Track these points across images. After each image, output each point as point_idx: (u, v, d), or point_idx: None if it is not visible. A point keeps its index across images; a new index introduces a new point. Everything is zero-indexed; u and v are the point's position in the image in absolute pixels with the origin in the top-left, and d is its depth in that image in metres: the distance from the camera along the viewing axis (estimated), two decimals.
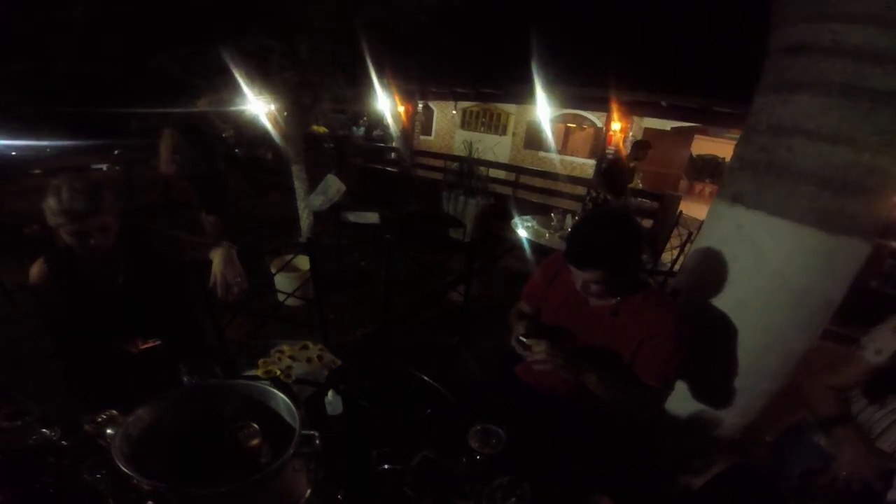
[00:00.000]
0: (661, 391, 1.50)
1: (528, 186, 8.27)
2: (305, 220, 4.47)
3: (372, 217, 4.53)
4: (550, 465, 1.24)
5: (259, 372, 1.46)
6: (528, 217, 4.53)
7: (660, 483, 1.80)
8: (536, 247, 4.05)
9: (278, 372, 1.45)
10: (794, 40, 1.58)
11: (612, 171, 5.33)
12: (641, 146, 5.52)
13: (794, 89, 1.58)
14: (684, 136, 11.40)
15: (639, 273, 1.51)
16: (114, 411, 1.09)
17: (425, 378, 1.48)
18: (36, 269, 1.55)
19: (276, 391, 0.97)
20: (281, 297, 2.44)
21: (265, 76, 3.87)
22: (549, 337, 1.59)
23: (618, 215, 1.49)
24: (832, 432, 1.41)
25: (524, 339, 1.49)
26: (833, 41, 1.46)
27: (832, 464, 1.35)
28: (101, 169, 6.25)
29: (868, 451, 1.32)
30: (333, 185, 4.18)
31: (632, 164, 5.57)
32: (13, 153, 6.51)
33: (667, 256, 4.98)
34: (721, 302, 1.78)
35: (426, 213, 6.73)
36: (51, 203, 1.41)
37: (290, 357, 1.54)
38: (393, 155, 10.71)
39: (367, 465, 1.15)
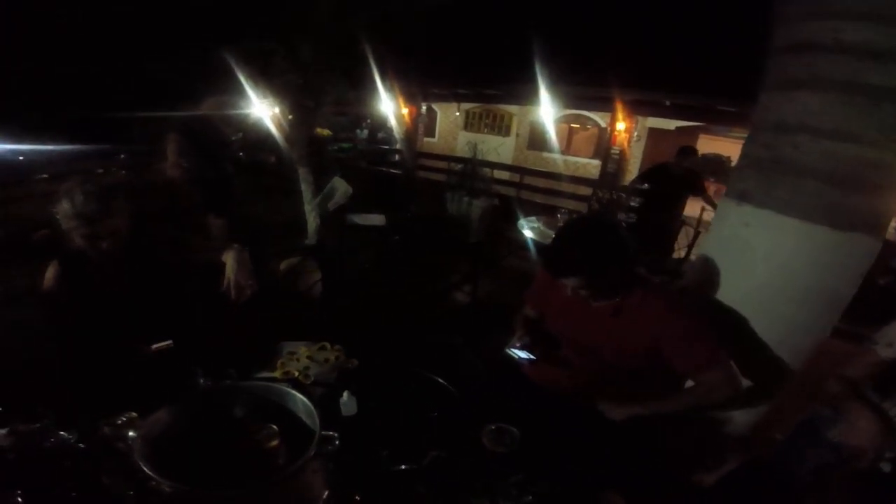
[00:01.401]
0: (724, 371, 1.43)
1: (532, 187, 8.28)
2: (312, 223, 4.48)
3: (377, 219, 4.54)
4: (559, 463, 1.25)
5: (277, 373, 1.48)
6: (533, 218, 4.53)
7: (671, 481, 1.80)
8: (542, 248, 4.06)
9: (297, 373, 1.46)
10: (797, 39, 1.60)
11: (657, 180, 4.58)
12: (688, 152, 4.72)
13: (797, 87, 1.60)
14: (688, 135, 11.35)
15: (635, 271, 1.51)
16: (133, 413, 1.11)
17: (439, 380, 1.49)
18: (50, 273, 1.57)
19: (295, 392, 0.98)
20: (290, 300, 2.46)
21: (267, 79, 3.89)
22: (550, 344, 1.62)
23: (591, 223, 1.52)
24: (845, 408, 1.41)
25: (515, 353, 1.54)
26: (834, 39, 1.48)
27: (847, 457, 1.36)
28: (109, 173, 6.28)
29: (884, 426, 1.32)
30: (340, 188, 4.21)
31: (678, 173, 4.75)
32: (20, 157, 6.53)
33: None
34: (729, 300, 1.78)
35: (431, 215, 6.74)
36: (64, 206, 1.43)
37: (308, 358, 1.56)
38: (397, 157, 10.73)
39: (381, 465, 1.16)
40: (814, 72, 1.54)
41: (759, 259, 1.70)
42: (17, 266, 2.96)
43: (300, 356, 1.57)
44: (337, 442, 0.92)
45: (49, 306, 1.60)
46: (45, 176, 6.07)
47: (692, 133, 11.37)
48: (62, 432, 1.11)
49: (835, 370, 1.51)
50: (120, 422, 1.10)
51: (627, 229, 1.47)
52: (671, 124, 10.85)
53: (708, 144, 12.63)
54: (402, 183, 8.55)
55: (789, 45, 1.62)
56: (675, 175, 4.66)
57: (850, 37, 1.44)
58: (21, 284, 2.94)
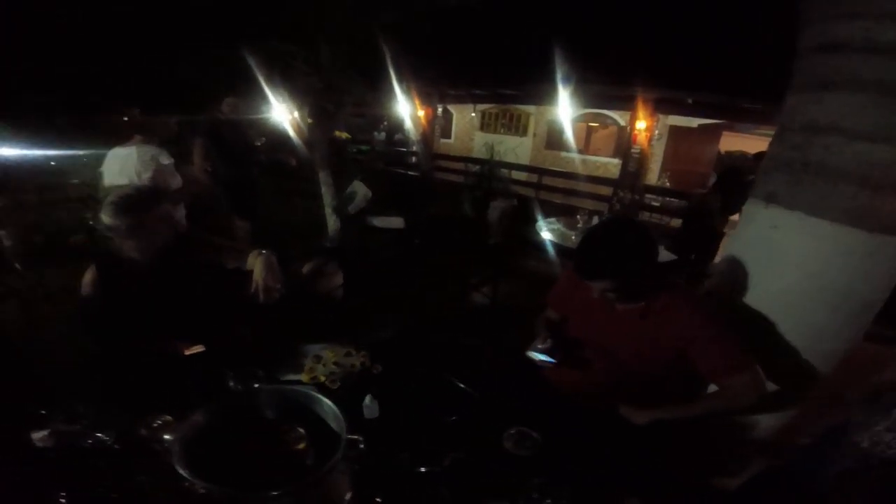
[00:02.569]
0: (749, 375, 1.42)
1: (551, 188, 8.22)
2: (332, 226, 4.54)
3: (397, 222, 4.57)
4: (580, 467, 1.25)
5: (304, 377, 1.51)
6: (552, 219, 4.50)
7: (692, 486, 1.78)
8: (561, 249, 4.03)
9: (323, 378, 1.49)
10: (826, 39, 1.56)
11: (731, 181, 4.14)
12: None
13: (827, 88, 1.56)
14: (712, 132, 11.14)
15: (663, 274, 1.50)
16: (168, 416, 1.14)
17: (458, 383, 1.50)
18: (88, 276, 1.63)
19: (321, 396, 1.00)
20: (312, 303, 2.50)
21: (289, 81, 3.96)
22: (572, 347, 1.61)
23: (622, 225, 1.51)
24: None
25: (537, 355, 1.55)
26: (865, 39, 1.44)
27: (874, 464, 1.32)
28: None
29: None
30: (360, 191, 4.25)
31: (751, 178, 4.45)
32: (52, 163, 6.72)
33: None
34: (757, 303, 1.75)
35: (449, 217, 6.75)
36: (103, 209, 1.49)
37: (335, 363, 1.58)
38: (414, 159, 10.78)
39: (402, 466, 1.17)
40: (845, 72, 1.50)
41: (788, 262, 1.66)
42: (55, 269, 3.08)
43: (326, 361, 1.59)
44: (362, 445, 0.94)
45: (86, 307, 1.66)
46: (76, 181, 6.24)
47: (715, 131, 11.15)
48: (99, 433, 1.15)
49: (865, 373, 1.47)
50: (156, 424, 1.14)
51: (673, 236, 1.47)
52: (693, 122, 10.66)
53: (732, 142, 12.38)
54: (420, 184, 8.59)
55: (818, 45, 1.59)
56: (748, 183, 4.24)
57: (882, 36, 1.40)
58: (58, 287, 3.05)
